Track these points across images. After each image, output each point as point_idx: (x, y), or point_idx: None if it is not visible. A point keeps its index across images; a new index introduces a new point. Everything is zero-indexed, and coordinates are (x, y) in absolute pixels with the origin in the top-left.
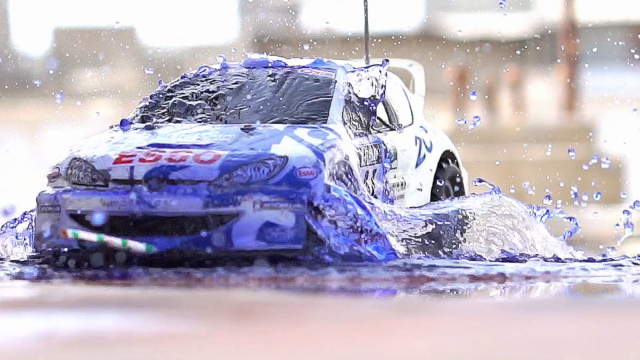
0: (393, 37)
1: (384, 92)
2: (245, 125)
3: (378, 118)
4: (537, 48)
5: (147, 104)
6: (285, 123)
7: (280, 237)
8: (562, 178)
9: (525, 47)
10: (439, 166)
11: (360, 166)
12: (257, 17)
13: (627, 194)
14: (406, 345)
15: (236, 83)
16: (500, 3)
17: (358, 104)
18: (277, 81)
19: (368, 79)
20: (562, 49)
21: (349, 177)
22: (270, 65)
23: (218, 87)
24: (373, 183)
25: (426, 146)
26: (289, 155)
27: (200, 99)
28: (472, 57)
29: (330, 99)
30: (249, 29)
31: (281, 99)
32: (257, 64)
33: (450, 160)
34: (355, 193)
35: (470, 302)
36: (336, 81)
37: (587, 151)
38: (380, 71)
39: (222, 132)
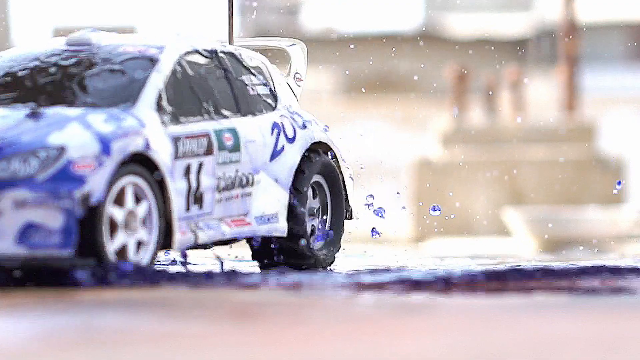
0: (393, 37)
1: (233, 75)
2: (32, 110)
3: (218, 104)
4: (537, 48)
5: None
6: (90, 107)
7: (45, 242)
8: (562, 178)
9: (525, 47)
10: (305, 161)
11: (177, 158)
12: (257, 17)
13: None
14: (406, 345)
15: (48, 63)
16: None
17: (190, 88)
18: (93, 60)
19: (214, 60)
20: (562, 48)
21: (150, 170)
22: (91, 43)
23: (27, 67)
24: (199, 178)
25: (287, 136)
26: (66, 146)
27: (7, 80)
28: (472, 57)
29: (145, 80)
30: (249, 29)
31: (93, 80)
32: (79, 42)
33: (326, 154)
34: (160, 189)
35: (471, 302)
36: (159, 60)
37: (587, 151)
38: (221, 51)
39: (6, 117)
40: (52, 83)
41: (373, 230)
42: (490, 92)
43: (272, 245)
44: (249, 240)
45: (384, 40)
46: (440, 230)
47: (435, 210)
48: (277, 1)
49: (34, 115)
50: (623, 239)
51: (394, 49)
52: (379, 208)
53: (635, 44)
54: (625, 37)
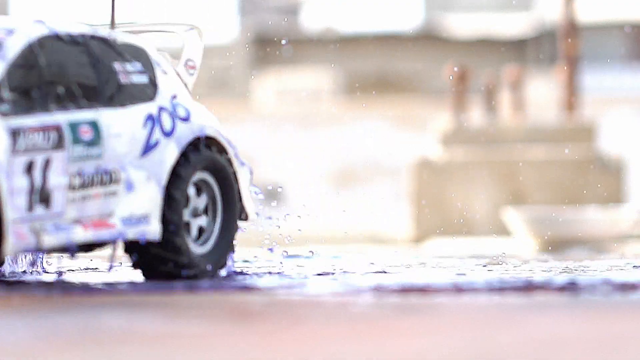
0: (393, 37)
1: (103, 63)
2: None
3: (78, 93)
4: (537, 48)
5: None
6: None
7: None
8: (562, 178)
9: (525, 47)
10: (187, 156)
11: (17, 153)
12: (257, 17)
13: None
14: (406, 345)
15: None
16: None
17: (42, 76)
18: None
19: (74, 44)
20: (562, 48)
21: None
22: None
23: None
24: (45, 175)
25: (163, 129)
26: None
27: None
28: (472, 57)
29: None
30: (249, 29)
31: None
32: None
33: (217, 150)
34: None
35: (471, 302)
36: (2, 46)
37: (587, 151)
38: (90, 37)
39: None
40: None
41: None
42: (489, 92)
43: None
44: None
45: (384, 40)
46: (440, 230)
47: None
48: (277, 1)
49: None
50: (623, 239)
51: (394, 49)
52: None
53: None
54: (625, 37)
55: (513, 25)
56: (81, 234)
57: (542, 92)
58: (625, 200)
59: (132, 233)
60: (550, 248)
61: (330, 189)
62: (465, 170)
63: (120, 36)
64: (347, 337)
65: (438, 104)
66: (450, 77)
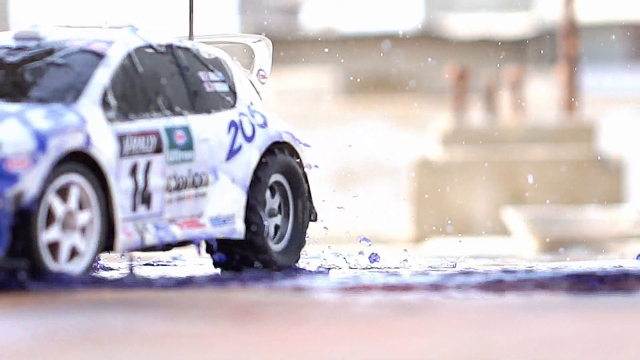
0: (393, 37)
1: (190, 72)
2: None
3: (171, 101)
4: (537, 48)
5: None
6: (34, 102)
7: None
8: (562, 178)
9: (525, 47)
10: (265, 160)
11: (123, 156)
12: (257, 16)
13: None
14: (406, 345)
15: None
16: None
17: (140, 84)
18: (42, 54)
19: (165, 54)
20: (562, 48)
21: (91, 168)
22: (39, 36)
23: None
24: (147, 177)
25: (245, 135)
26: (0, 143)
27: None
28: (472, 57)
29: (91, 75)
30: (249, 28)
31: (37, 74)
32: (27, 36)
33: (289, 153)
34: (103, 188)
35: (470, 302)
36: (107, 55)
37: (587, 151)
38: (177, 47)
39: None
40: (4, 78)
41: (362, 238)
42: (489, 95)
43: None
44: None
45: (384, 40)
46: (440, 230)
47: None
48: (277, 1)
49: None
50: (623, 239)
51: (394, 49)
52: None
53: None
54: (625, 37)
55: (513, 25)
56: (178, 233)
57: (542, 92)
58: (625, 200)
59: (219, 232)
60: (549, 248)
61: (330, 189)
62: (465, 170)
63: (200, 47)
64: (347, 337)
65: (438, 104)
66: (454, 77)
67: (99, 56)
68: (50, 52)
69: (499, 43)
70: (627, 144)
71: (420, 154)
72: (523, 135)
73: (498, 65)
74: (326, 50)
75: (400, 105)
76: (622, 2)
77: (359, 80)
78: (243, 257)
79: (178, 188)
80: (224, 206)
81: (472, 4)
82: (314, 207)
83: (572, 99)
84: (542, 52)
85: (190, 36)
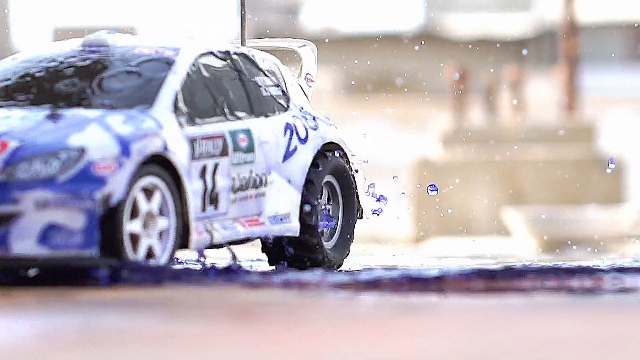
0: (393, 37)
1: (247, 77)
2: (52, 111)
3: (234, 104)
4: (537, 48)
5: None
6: (109, 108)
7: (66, 242)
8: (562, 178)
9: (525, 47)
10: (317, 161)
11: (194, 159)
12: (258, 17)
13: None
14: (406, 345)
15: (65, 64)
16: None
17: (208, 89)
18: (112, 61)
19: (228, 61)
20: (562, 48)
21: (170, 172)
22: (108, 44)
23: (45, 69)
24: (214, 179)
25: (299, 137)
26: (86, 147)
27: (23, 81)
28: (472, 57)
29: (162, 82)
30: (249, 29)
31: (109, 81)
32: (95, 44)
33: (337, 155)
34: (178, 189)
35: (471, 302)
36: (175, 62)
37: (587, 151)
38: (234, 53)
39: (24, 119)
40: (69, 84)
41: (374, 210)
42: (491, 98)
43: (283, 242)
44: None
45: (384, 40)
46: (440, 230)
47: (433, 190)
48: (277, 1)
49: (53, 117)
50: (623, 239)
51: (394, 49)
52: (381, 196)
53: (635, 43)
54: (625, 37)
55: (513, 25)
56: (242, 231)
57: (542, 92)
58: (625, 200)
59: (277, 230)
60: (550, 248)
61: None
62: (465, 170)
63: (255, 52)
64: (347, 337)
65: (438, 104)
66: (456, 76)
67: (168, 63)
68: (120, 59)
69: (499, 43)
70: (627, 144)
71: (420, 154)
72: (523, 135)
73: (498, 66)
74: (329, 49)
75: (400, 105)
76: (622, 2)
77: (359, 80)
78: (297, 257)
79: (241, 188)
80: (281, 205)
81: (472, 4)
82: (360, 205)
83: (572, 99)
84: (542, 52)
85: (243, 42)
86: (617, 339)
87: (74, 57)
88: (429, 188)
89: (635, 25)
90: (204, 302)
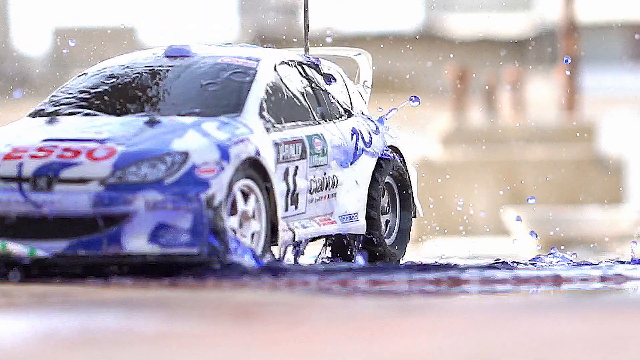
0: (393, 37)
1: (316, 84)
2: (150, 118)
3: (308, 111)
4: (537, 48)
5: (60, 93)
6: (199, 115)
7: (175, 240)
8: (562, 178)
9: (525, 47)
10: (380, 163)
11: (279, 162)
12: (258, 17)
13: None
14: (406, 345)
15: (152, 73)
16: None
17: (286, 96)
18: (196, 70)
19: (299, 69)
20: (562, 48)
21: (261, 174)
22: (191, 54)
23: (132, 76)
24: (295, 181)
25: (364, 141)
26: (189, 151)
27: (112, 89)
28: (472, 57)
29: (248, 90)
30: (250, 29)
31: (197, 89)
32: (178, 52)
33: (396, 156)
34: (268, 192)
35: (471, 302)
36: (257, 71)
37: (587, 151)
38: (312, 62)
39: (124, 126)
40: (158, 93)
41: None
42: (493, 97)
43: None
44: None
45: (384, 40)
46: (440, 230)
47: (415, 101)
48: (277, 1)
49: (151, 123)
50: (623, 239)
51: (394, 49)
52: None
53: (636, 43)
54: (625, 37)
55: (513, 25)
56: (318, 230)
57: (542, 92)
58: (625, 200)
59: (346, 228)
60: (548, 248)
61: None
62: (465, 170)
63: (320, 61)
64: (347, 337)
65: (438, 104)
66: (457, 79)
67: (251, 72)
68: (204, 68)
69: (499, 43)
70: (627, 144)
71: (420, 154)
72: (523, 135)
73: (498, 66)
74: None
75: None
76: (622, 2)
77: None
78: (363, 249)
79: (317, 189)
80: (350, 205)
81: (472, 4)
82: (415, 205)
83: (572, 99)
84: (542, 52)
85: (306, 51)
86: (617, 339)
87: (160, 66)
88: (411, 99)
89: (635, 25)
90: (204, 302)
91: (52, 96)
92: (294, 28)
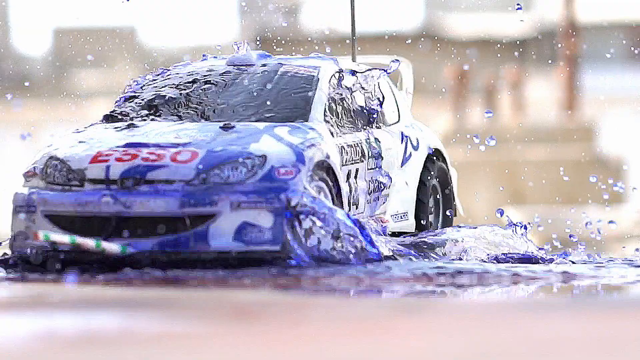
0: (393, 37)
1: (372, 93)
2: (225, 124)
3: (363, 116)
4: (537, 48)
5: (128, 99)
6: (266, 121)
7: (258, 238)
8: (562, 178)
9: (525, 47)
10: (426, 165)
11: (343, 165)
12: (258, 17)
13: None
14: (406, 345)
15: (218, 80)
16: (518, 6)
17: (343, 102)
18: (260, 79)
19: (359, 77)
20: (562, 47)
21: (330, 176)
22: (253, 63)
23: (199, 84)
24: (356, 182)
25: (412, 144)
26: (267, 155)
27: (182, 96)
28: (472, 57)
29: (312, 96)
30: (249, 29)
31: (263, 96)
32: (241, 61)
33: (438, 159)
34: (336, 193)
35: (471, 302)
36: (319, 79)
37: (587, 151)
38: (358, 71)
39: (201, 131)
40: (227, 100)
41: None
42: (498, 97)
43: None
44: None
45: (384, 40)
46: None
47: (489, 113)
48: (277, 1)
49: (227, 128)
50: (623, 239)
51: (394, 49)
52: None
53: (636, 42)
54: (625, 37)
55: (513, 25)
56: (375, 228)
57: (542, 92)
58: (625, 200)
59: (398, 227)
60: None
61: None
62: (465, 170)
63: (366, 69)
64: (347, 337)
65: (438, 104)
66: (459, 77)
67: (313, 80)
68: (268, 76)
69: (499, 43)
70: (627, 144)
71: None
72: (523, 135)
73: (498, 66)
74: (328, 50)
75: None
76: (622, 2)
77: None
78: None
79: (373, 191)
80: (401, 205)
81: (472, 4)
82: (456, 205)
83: (572, 99)
84: (542, 52)
85: (353, 59)
86: (617, 339)
87: (224, 73)
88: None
89: (635, 25)
90: (204, 302)
91: (121, 103)
92: (294, 28)
